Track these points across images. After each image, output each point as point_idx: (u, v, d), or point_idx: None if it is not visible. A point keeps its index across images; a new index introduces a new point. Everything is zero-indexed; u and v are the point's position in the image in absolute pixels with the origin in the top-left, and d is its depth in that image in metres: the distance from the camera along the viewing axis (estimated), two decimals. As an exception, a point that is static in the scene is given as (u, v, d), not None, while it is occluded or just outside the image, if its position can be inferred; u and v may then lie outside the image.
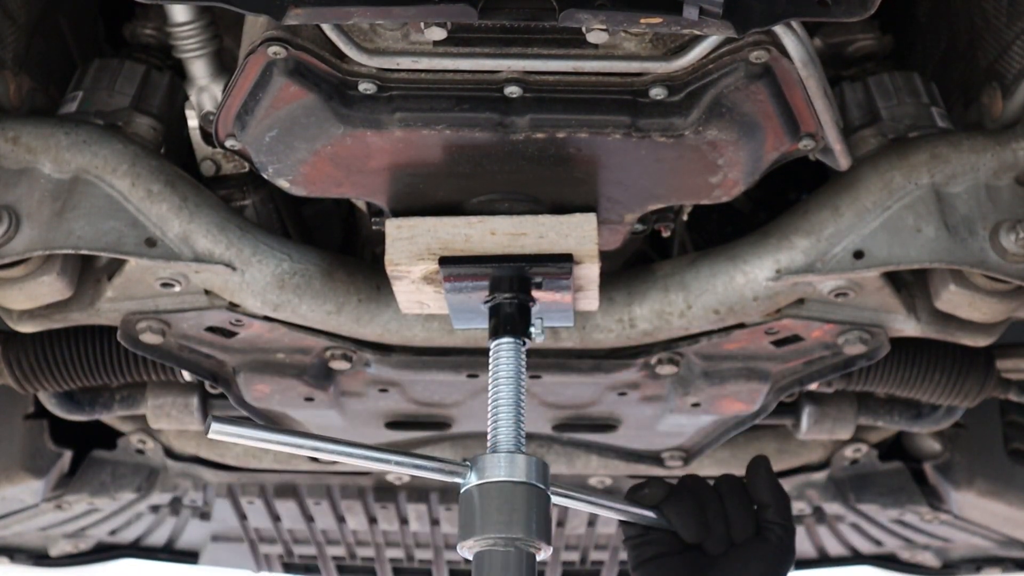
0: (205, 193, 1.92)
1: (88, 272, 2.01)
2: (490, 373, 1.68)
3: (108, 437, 2.78)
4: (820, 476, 2.78)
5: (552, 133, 1.69)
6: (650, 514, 1.63)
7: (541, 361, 2.15)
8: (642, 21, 1.46)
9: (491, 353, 1.71)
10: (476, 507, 1.53)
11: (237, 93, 1.69)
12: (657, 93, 1.66)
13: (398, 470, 1.59)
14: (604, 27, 1.49)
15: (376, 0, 1.46)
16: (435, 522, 2.94)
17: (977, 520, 2.83)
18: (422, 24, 1.56)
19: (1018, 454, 2.74)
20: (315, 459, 2.63)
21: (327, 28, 1.61)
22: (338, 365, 2.12)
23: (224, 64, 1.99)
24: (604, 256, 1.85)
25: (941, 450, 2.75)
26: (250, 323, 2.02)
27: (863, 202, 1.87)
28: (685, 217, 2.09)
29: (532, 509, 1.53)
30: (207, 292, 1.98)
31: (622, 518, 1.65)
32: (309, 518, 2.93)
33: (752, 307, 1.97)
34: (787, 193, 2.48)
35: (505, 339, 1.71)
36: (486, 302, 1.78)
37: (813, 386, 2.26)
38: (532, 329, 1.74)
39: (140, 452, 2.77)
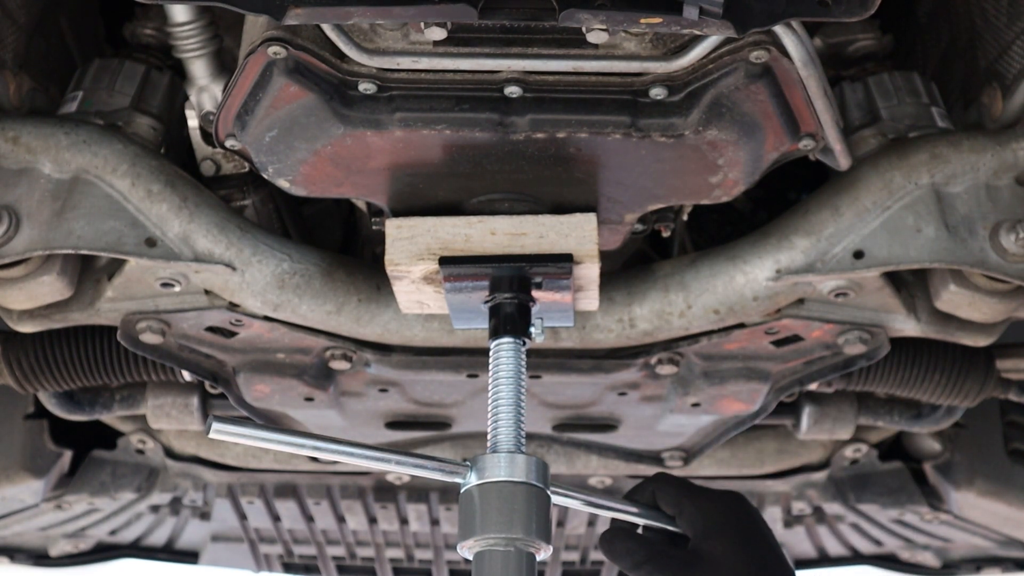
0: (205, 193, 1.92)
1: (88, 272, 2.01)
2: (490, 373, 1.68)
3: (108, 437, 2.78)
4: (820, 476, 2.77)
5: (552, 133, 1.69)
6: (651, 513, 1.63)
7: (541, 361, 2.14)
8: (642, 21, 1.46)
9: (491, 353, 1.71)
10: (476, 507, 1.53)
11: (237, 93, 1.69)
12: (657, 93, 1.66)
13: (398, 470, 1.59)
14: (604, 27, 1.49)
15: (376, 0, 1.46)
16: (435, 522, 2.94)
17: (977, 520, 2.83)
18: (422, 24, 1.56)
19: (1018, 454, 2.74)
20: (315, 459, 2.63)
21: (327, 28, 1.60)
22: (338, 365, 2.12)
23: (224, 64, 1.99)
24: (604, 256, 1.84)
25: (941, 450, 2.75)
26: (250, 323, 2.02)
27: (863, 202, 1.87)
28: (685, 217, 2.09)
29: (532, 509, 1.53)
30: (207, 292, 1.98)
31: (621, 517, 1.65)
32: (309, 518, 2.93)
33: (752, 307, 1.97)
34: (787, 193, 2.48)
35: (505, 339, 1.71)
36: (486, 302, 1.78)
37: (813, 386, 2.26)
38: (532, 329, 1.74)
39: (140, 452, 2.77)
